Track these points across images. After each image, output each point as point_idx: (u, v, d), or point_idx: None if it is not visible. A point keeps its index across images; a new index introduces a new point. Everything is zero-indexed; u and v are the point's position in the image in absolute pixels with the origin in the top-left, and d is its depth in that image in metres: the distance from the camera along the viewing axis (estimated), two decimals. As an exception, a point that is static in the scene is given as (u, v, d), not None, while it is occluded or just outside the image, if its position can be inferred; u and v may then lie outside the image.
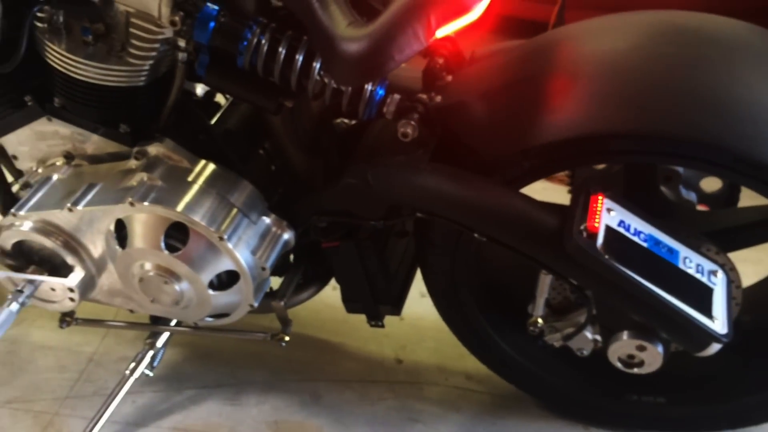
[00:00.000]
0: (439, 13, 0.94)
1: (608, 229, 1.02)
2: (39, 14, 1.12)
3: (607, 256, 0.99)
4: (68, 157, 1.28)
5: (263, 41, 1.07)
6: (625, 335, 1.15)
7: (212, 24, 1.06)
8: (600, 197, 1.04)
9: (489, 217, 1.05)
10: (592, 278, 1.04)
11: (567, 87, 1.04)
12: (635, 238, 1.05)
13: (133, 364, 1.36)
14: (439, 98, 1.12)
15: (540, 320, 1.22)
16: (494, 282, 1.33)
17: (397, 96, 1.09)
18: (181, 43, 1.12)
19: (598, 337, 1.22)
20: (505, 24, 1.41)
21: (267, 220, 1.23)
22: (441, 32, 0.98)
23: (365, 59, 0.95)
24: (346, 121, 1.39)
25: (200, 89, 1.31)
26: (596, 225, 1.01)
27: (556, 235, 1.01)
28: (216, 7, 1.06)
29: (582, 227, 1.00)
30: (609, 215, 1.04)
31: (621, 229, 1.04)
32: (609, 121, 1.00)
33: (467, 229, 1.11)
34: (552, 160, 1.07)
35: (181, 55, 1.14)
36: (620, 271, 1.00)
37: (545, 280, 1.19)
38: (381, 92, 1.09)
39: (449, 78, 1.17)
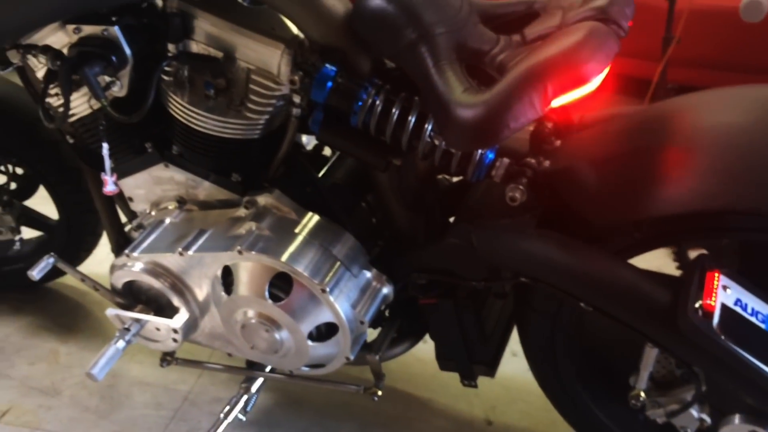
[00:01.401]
0: (557, 83, 0.95)
1: (724, 307, 0.98)
2: (166, 68, 1.19)
3: (723, 337, 0.95)
4: (180, 202, 1.34)
5: (377, 102, 1.10)
6: (737, 419, 1.10)
7: (329, 84, 1.09)
8: (716, 274, 1.00)
9: (597, 287, 1.03)
10: (705, 358, 1.00)
11: (683, 159, 1.01)
12: (753, 319, 1.00)
13: (227, 407, 1.39)
14: (547, 163, 1.11)
15: (643, 394, 1.18)
16: (595, 350, 1.29)
17: (506, 160, 1.09)
18: (297, 99, 1.16)
19: (706, 417, 1.16)
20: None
21: (368, 274, 1.25)
22: (557, 102, 0.98)
23: (480, 126, 0.96)
24: (447, 177, 1.41)
25: (305, 138, 1.36)
26: (712, 303, 0.97)
27: (668, 311, 0.98)
28: (334, 68, 1.09)
29: (697, 305, 0.96)
30: (725, 293, 1.00)
31: (738, 309, 1.00)
32: (728, 198, 0.97)
33: (573, 298, 1.09)
34: (665, 232, 1.04)
35: (295, 111, 1.18)
36: (736, 353, 0.96)
37: (651, 354, 1.15)
38: (491, 155, 1.10)
39: (558, 142, 1.16)
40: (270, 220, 1.23)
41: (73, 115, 1.28)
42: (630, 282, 1.01)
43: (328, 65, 1.09)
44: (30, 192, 1.74)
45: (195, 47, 1.18)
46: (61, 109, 1.28)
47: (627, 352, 1.22)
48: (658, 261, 1.19)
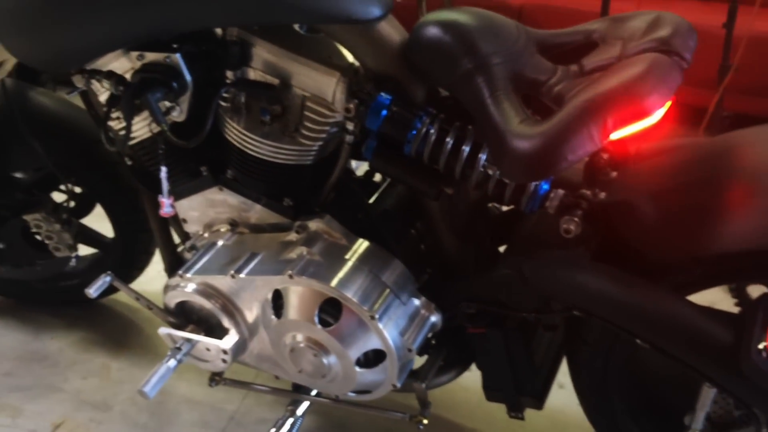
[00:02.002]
0: (617, 116, 0.93)
1: (789, 349, 0.95)
2: (224, 95, 1.21)
3: (787, 380, 0.92)
4: (233, 224, 1.36)
5: (431, 131, 1.10)
6: (799, 464, 1.06)
7: (384, 112, 1.10)
8: (780, 314, 0.97)
9: (655, 324, 1.00)
10: (767, 400, 0.97)
11: (747, 194, 0.99)
12: (818, 362, 0.96)
13: (273, 429, 1.39)
14: (603, 195, 1.09)
15: (698, 434, 1.15)
16: (649, 386, 1.26)
17: (561, 191, 1.08)
18: (350, 126, 1.17)
19: (766, 461, 1.12)
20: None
21: (416, 301, 1.24)
22: (616, 135, 0.96)
23: (537, 158, 0.95)
24: (497, 204, 1.40)
25: (354, 163, 1.36)
26: (776, 344, 0.94)
27: (729, 352, 0.95)
28: (389, 97, 1.10)
29: (761, 346, 0.93)
30: (790, 333, 0.96)
31: (803, 350, 0.96)
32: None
33: (628, 334, 1.06)
34: (727, 270, 1.01)
35: (348, 138, 1.18)
36: (801, 397, 0.92)
37: (708, 393, 1.12)
38: (545, 186, 1.08)
39: (614, 174, 1.14)
40: (321, 245, 1.23)
41: (133, 138, 1.31)
42: (689, 320, 0.98)
43: (383, 94, 1.10)
44: (87, 210, 1.79)
45: (252, 74, 1.20)
46: (122, 133, 1.32)
47: (683, 390, 1.18)
48: (713, 296, 1.15)
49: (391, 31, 1.12)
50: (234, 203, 1.33)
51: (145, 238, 1.77)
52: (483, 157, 1.08)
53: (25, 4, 1.10)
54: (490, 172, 1.08)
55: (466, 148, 1.08)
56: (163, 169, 1.25)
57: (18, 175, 1.66)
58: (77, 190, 1.74)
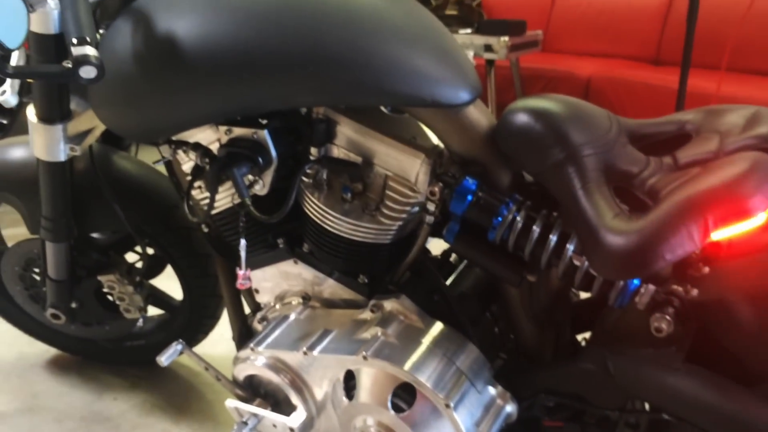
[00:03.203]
0: (718, 216, 0.90)
1: None
2: (307, 170, 1.22)
3: None
4: (305, 298, 1.35)
5: (518, 219, 1.08)
6: None
7: (470, 197, 1.09)
8: None
9: (754, 436, 0.94)
10: None
11: None
12: None
13: None
14: (695, 292, 1.04)
15: None
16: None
17: (651, 287, 1.03)
18: (431, 207, 1.16)
19: None
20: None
21: (492, 390, 1.20)
22: (717, 235, 0.93)
23: (633, 256, 0.92)
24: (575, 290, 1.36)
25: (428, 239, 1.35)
26: None
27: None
28: (475, 182, 1.09)
29: None
30: None
31: None
32: None
33: (722, 442, 1.00)
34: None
35: (428, 218, 1.17)
36: None
37: None
38: (636, 282, 1.04)
39: (706, 269, 1.09)
40: (396, 326, 1.21)
41: (214, 208, 1.33)
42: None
43: (469, 178, 1.09)
44: (158, 271, 1.81)
45: (336, 151, 1.21)
46: (203, 202, 1.34)
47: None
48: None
49: (479, 115, 1.12)
50: (308, 277, 1.33)
51: (213, 303, 1.78)
52: (571, 247, 1.05)
53: (121, 79, 1.14)
54: (578, 263, 1.05)
55: (554, 238, 1.06)
56: (243, 242, 1.25)
57: (96, 235, 1.70)
58: (150, 251, 1.77)
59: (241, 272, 1.28)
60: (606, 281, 1.05)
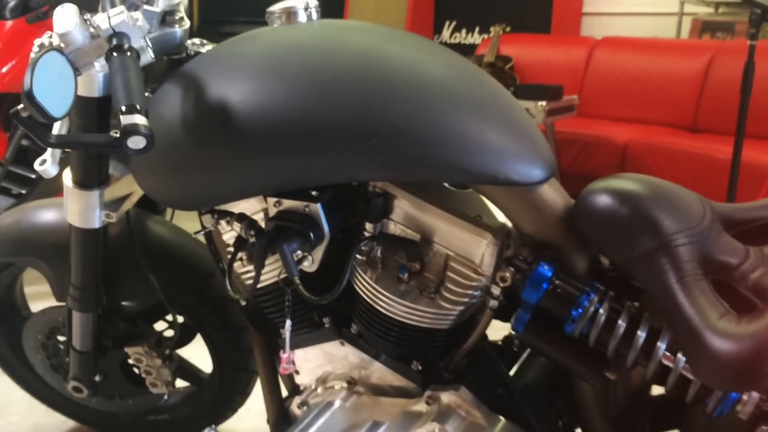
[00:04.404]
0: None
1: None
2: (362, 248, 1.13)
3: None
4: (350, 382, 1.24)
5: (600, 312, 0.97)
6: None
7: (545, 285, 0.98)
8: None
9: None
10: None
11: None
12: None
13: None
14: (805, 401, 0.93)
15: None
16: None
17: (756, 395, 0.92)
18: (496, 291, 1.06)
19: None
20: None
21: (562, 498, 1.08)
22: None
23: (747, 365, 0.81)
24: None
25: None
26: None
27: None
28: (551, 268, 0.99)
29: None
30: None
31: None
32: None
33: None
34: None
35: (492, 303, 1.07)
36: None
37: None
38: (738, 389, 0.93)
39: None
40: (456, 422, 1.09)
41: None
42: None
43: (544, 264, 0.99)
44: (187, 340, 1.71)
45: (393, 227, 1.12)
46: (243, 275, 1.25)
47: None
48: None
49: (554, 194, 1.03)
50: (355, 360, 1.22)
51: (245, 379, 1.67)
52: (663, 345, 0.94)
53: (168, 146, 1.06)
54: (670, 363, 0.94)
55: (642, 335, 0.95)
56: (288, 324, 1.16)
57: (125, 303, 1.61)
58: (180, 319, 1.67)
59: (285, 356, 1.17)
60: (704, 386, 0.93)
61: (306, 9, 1.18)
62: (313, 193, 1.10)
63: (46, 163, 1.17)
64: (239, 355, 1.62)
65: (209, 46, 1.25)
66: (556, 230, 1.01)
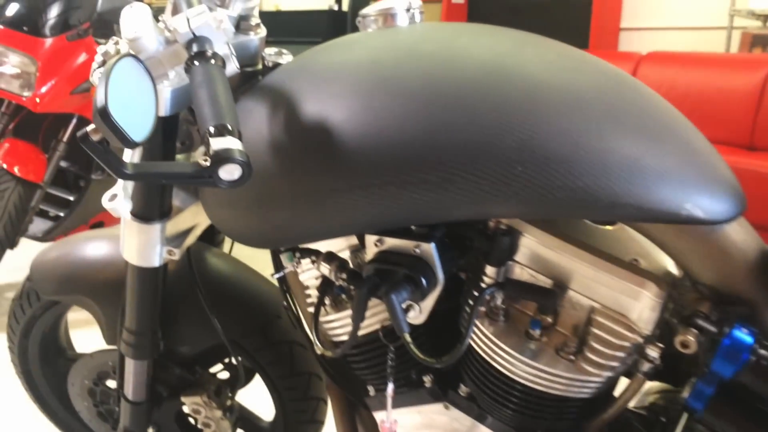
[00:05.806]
0: None
1: None
2: (486, 297, 0.92)
3: None
4: (455, 453, 1.04)
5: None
6: None
7: (746, 356, 0.77)
8: None
9: None
10: None
11: None
12: None
13: None
14: None
15: None
16: None
17: None
18: (653, 353, 0.85)
19: None
20: None
21: None
22: None
23: None
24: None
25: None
26: None
27: None
28: (750, 331, 0.77)
29: None
30: None
31: None
32: None
33: None
34: None
35: (647, 367, 0.86)
36: None
37: None
38: None
39: None
40: None
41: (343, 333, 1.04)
42: None
43: (740, 326, 0.78)
44: (244, 383, 1.52)
45: (519, 271, 0.92)
46: (327, 325, 1.06)
47: None
48: None
49: (744, 235, 0.81)
50: (461, 428, 1.02)
51: (310, 430, 1.47)
52: None
53: None
54: None
55: None
56: (390, 388, 0.96)
57: (182, 348, 1.42)
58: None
59: (386, 425, 0.97)
60: None
61: (408, 10, 1.00)
62: (417, 228, 0.91)
63: (117, 199, 0.98)
64: (306, 406, 1.42)
65: (289, 57, 1.06)
66: (748, 280, 0.80)
